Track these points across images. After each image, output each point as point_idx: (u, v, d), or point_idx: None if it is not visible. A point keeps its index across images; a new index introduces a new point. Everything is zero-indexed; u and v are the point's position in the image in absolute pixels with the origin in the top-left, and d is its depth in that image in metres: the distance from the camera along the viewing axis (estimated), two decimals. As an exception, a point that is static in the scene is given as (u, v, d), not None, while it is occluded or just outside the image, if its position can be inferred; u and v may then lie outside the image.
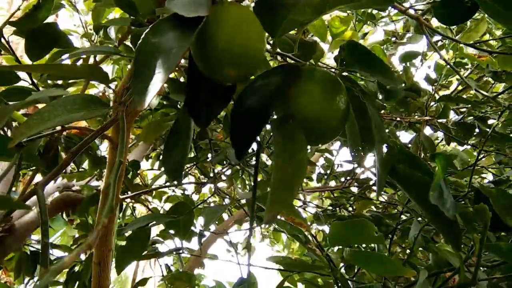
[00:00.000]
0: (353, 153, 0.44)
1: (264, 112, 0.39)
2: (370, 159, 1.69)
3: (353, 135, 0.44)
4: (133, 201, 1.76)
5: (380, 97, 0.74)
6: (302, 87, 0.39)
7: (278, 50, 0.51)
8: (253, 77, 0.41)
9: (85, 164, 1.72)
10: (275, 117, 0.42)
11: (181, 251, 0.83)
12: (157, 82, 0.33)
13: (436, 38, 1.41)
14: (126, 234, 0.77)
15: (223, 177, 1.57)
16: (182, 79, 1.38)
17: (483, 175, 1.37)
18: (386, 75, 0.40)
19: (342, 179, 1.71)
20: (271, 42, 0.49)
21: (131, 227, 0.65)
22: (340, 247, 0.76)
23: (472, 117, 0.96)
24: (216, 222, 1.76)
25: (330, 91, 0.40)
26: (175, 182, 1.71)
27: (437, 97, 1.18)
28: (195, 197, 2.03)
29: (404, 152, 0.41)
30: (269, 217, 0.33)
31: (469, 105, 1.12)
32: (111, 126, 0.46)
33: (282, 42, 0.56)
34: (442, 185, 0.36)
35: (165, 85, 1.33)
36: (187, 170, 1.88)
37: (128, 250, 0.67)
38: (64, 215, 2.08)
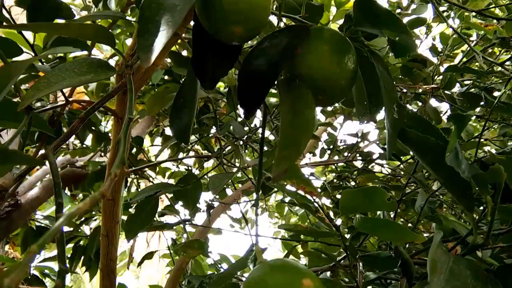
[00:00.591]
0: (360, 115, 0.44)
1: (272, 72, 0.38)
2: (374, 133, 1.69)
3: (361, 96, 0.43)
4: (137, 177, 1.77)
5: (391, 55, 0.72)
6: (310, 47, 0.39)
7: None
8: (259, 38, 0.40)
9: (88, 141, 1.73)
10: (282, 77, 0.41)
11: (189, 222, 0.84)
12: (162, 39, 0.33)
13: (442, 8, 1.38)
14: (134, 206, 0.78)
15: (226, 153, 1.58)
16: (185, 53, 1.37)
17: (487, 148, 1.37)
18: (398, 27, 0.39)
19: (346, 154, 1.71)
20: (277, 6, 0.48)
21: (140, 196, 0.65)
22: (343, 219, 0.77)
23: (477, 89, 0.95)
24: (218, 197, 1.77)
25: (339, 50, 0.39)
26: (180, 156, 1.72)
27: (442, 69, 1.17)
28: (197, 173, 2.04)
29: (416, 117, 0.41)
30: (277, 175, 0.33)
31: (475, 76, 1.11)
32: (119, 91, 0.45)
33: (289, 7, 0.55)
34: (457, 147, 0.36)
35: (168, 59, 1.31)
36: (190, 146, 1.88)
37: (137, 219, 0.68)
38: (67, 191, 2.09)
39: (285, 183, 0.59)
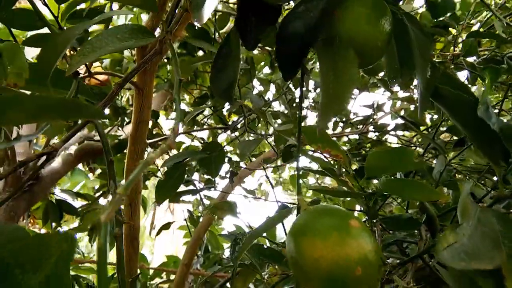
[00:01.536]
0: (391, 79, 0.45)
1: (309, 35, 0.39)
2: (387, 104, 1.69)
3: (392, 60, 0.44)
4: (154, 151, 1.80)
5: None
6: (348, 9, 0.40)
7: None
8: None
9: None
10: (319, 40, 0.42)
11: (212, 188, 0.86)
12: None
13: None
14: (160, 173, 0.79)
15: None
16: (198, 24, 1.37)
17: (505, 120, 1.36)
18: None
19: (359, 127, 1.72)
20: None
21: (168, 163, 0.68)
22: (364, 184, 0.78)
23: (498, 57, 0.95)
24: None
25: (376, 12, 0.40)
26: (195, 128, 1.73)
27: (460, 39, 1.17)
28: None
29: (447, 75, 0.42)
30: (323, 124, 0.35)
31: (493, 47, 1.10)
32: (154, 56, 0.47)
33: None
34: (488, 101, 0.38)
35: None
36: (204, 120, 1.90)
37: (166, 184, 0.70)
38: (85, 165, 2.14)
39: (311, 147, 0.61)
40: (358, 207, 1.31)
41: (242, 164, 1.42)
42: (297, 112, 0.50)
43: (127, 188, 0.26)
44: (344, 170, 0.61)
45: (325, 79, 0.36)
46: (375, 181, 0.74)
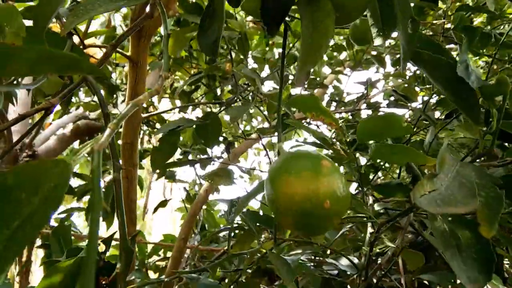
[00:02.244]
0: (376, 37, 0.46)
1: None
2: (380, 82, 1.70)
3: (376, 18, 0.45)
4: (149, 129, 1.82)
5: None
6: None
7: None
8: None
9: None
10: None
11: (211, 159, 0.88)
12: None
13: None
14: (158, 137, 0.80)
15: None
16: None
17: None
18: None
19: (352, 107, 1.74)
20: None
21: (162, 130, 0.69)
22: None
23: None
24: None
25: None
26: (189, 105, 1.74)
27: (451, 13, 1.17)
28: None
29: (428, 41, 0.44)
30: (300, 77, 0.37)
31: (483, 23, 1.11)
32: (143, 22, 0.48)
33: None
34: (467, 60, 0.39)
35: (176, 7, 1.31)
36: (199, 98, 1.91)
37: (161, 151, 0.72)
38: (78, 146, 2.14)
39: (304, 116, 0.62)
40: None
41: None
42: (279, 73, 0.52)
43: (118, 123, 0.28)
44: (335, 140, 0.63)
45: (305, 31, 0.38)
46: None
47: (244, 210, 0.72)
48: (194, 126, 0.72)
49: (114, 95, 1.57)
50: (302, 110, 0.63)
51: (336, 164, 0.39)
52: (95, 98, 2.07)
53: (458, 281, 1.03)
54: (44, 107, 0.41)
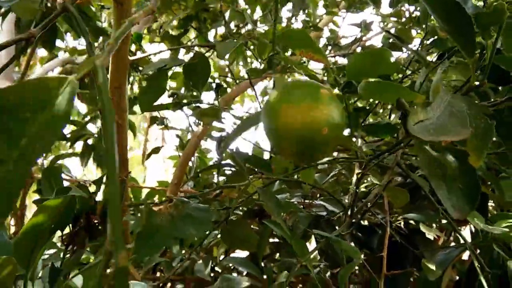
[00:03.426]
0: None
1: None
2: (376, 29, 1.66)
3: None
4: (139, 75, 1.78)
5: None
6: None
7: None
8: None
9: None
10: None
11: (200, 103, 0.87)
12: None
13: None
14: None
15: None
16: None
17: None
18: None
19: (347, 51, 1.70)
20: None
21: (149, 68, 0.67)
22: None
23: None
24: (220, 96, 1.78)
25: None
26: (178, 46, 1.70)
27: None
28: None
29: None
30: None
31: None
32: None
33: None
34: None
35: None
36: (190, 42, 1.86)
37: (149, 90, 0.71)
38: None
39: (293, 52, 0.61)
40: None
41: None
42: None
43: (117, 40, 0.26)
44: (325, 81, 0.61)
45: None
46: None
47: (234, 150, 0.72)
48: (182, 66, 0.70)
49: (101, 38, 1.52)
50: (291, 47, 0.61)
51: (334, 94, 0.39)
52: (82, 43, 2.01)
53: (444, 221, 1.06)
54: (23, 38, 0.39)
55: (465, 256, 0.95)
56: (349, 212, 0.72)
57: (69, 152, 1.98)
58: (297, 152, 0.39)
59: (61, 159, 2.07)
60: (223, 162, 0.93)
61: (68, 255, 0.75)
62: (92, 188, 0.87)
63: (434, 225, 1.09)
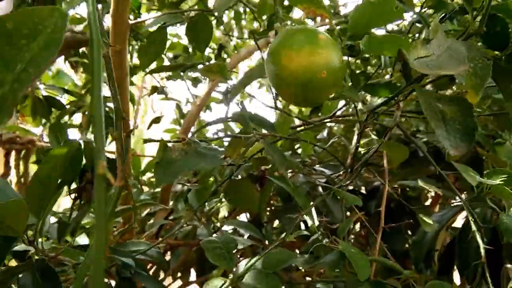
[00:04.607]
0: None
1: None
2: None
3: None
4: (137, 43, 1.77)
5: None
6: None
7: None
8: None
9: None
10: None
11: (200, 64, 0.87)
12: None
13: None
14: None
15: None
16: None
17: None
18: None
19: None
20: None
21: (150, 26, 0.68)
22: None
23: None
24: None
25: None
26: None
27: None
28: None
29: None
30: None
31: None
32: None
33: None
34: None
35: None
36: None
37: (149, 49, 0.71)
38: (69, 62, 2.09)
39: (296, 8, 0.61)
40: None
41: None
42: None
43: None
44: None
45: None
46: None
47: (236, 111, 0.74)
48: (185, 27, 0.70)
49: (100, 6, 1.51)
50: (293, 2, 0.61)
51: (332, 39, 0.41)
52: (79, 11, 1.98)
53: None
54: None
55: (459, 223, 0.98)
56: (348, 171, 0.74)
57: (68, 124, 1.99)
58: (297, 94, 0.42)
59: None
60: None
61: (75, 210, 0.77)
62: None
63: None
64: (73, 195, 0.73)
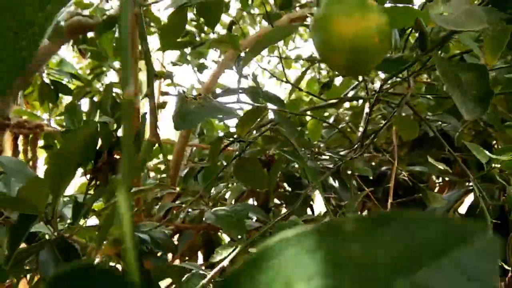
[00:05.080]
0: None
1: None
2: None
3: None
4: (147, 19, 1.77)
5: None
6: None
7: None
8: None
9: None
10: None
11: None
12: None
13: None
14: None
15: None
16: None
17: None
18: None
19: None
20: None
21: (171, 5, 0.68)
22: None
23: None
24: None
25: None
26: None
27: None
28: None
29: None
30: None
31: None
32: None
33: None
34: None
35: None
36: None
37: (169, 30, 0.72)
38: (75, 48, 2.10)
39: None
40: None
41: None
42: None
43: None
44: None
45: None
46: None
47: (246, 86, 0.74)
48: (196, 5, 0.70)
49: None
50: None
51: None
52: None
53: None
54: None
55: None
56: (358, 147, 0.75)
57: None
58: (348, 62, 0.40)
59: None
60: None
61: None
62: (112, 126, 0.89)
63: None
64: (88, 176, 0.74)
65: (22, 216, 0.59)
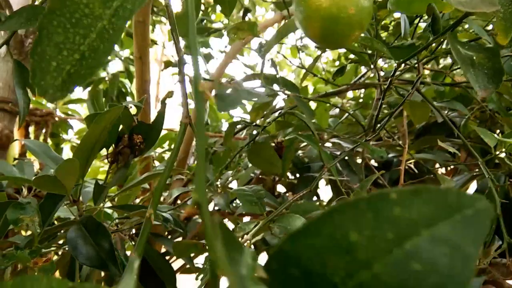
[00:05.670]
0: None
1: None
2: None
3: None
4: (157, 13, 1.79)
5: None
6: None
7: None
8: None
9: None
10: None
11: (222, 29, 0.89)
12: None
13: None
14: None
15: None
16: None
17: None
18: None
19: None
20: None
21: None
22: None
23: None
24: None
25: None
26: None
27: None
28: None
29: None
30: None
31: None
32: None
33: None
34: None
35: None
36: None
37: (184, 16, 0.73)
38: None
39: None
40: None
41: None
42: None
43: None
44: None
45: None
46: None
47: (261, 73, 0.76)
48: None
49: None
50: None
51: None
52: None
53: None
54: None
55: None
56: (370, 131, 0.77)
57: (82, 98, 2.02)
58: (323, 31, 0.42)
59: (74, 103, 2.11)
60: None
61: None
62: (134, 110, 0.91)
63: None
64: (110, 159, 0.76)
65: (49, 196, 0.61)
